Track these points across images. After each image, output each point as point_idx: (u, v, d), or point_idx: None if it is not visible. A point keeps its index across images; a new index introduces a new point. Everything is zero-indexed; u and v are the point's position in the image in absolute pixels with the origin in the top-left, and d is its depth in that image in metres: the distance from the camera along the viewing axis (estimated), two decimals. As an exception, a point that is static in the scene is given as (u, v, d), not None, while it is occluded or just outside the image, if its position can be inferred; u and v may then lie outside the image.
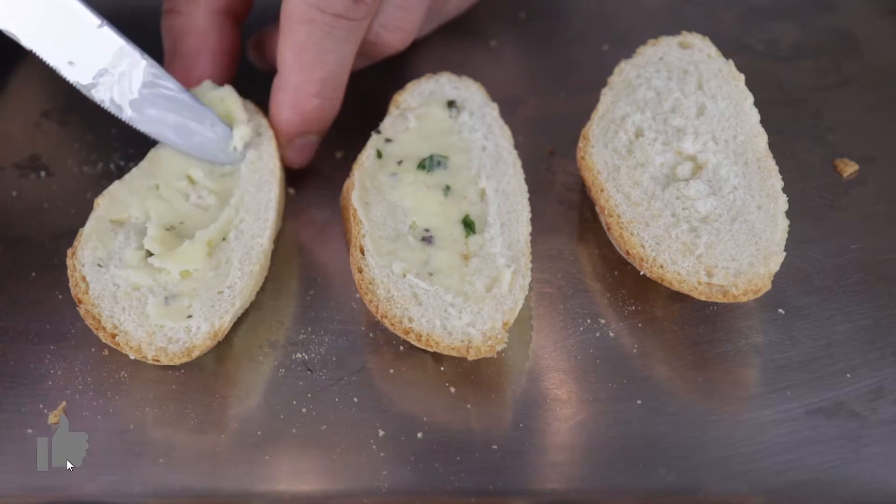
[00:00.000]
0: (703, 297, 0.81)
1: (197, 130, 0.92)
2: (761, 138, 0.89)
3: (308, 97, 0.92)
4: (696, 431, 0.79)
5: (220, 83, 0.98)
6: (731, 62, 0.94)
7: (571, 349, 0.85)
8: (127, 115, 0.91)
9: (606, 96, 0.95)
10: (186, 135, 0.92)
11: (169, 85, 0.91)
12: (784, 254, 0.80)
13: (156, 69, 0.91)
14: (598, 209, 0.91)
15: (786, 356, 0.84)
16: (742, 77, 0.92)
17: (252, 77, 1.12)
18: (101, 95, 0.90)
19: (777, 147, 0.89)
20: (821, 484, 0.76)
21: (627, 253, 0.85)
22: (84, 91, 0.90)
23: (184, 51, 0.98)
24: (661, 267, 0.83)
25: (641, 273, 0.85)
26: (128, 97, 0.90)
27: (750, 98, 0.91)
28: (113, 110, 0.90)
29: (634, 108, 0.94)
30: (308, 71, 0.90)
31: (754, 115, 0.90)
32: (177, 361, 0.81)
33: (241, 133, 0.94)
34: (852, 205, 0.94)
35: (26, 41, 0.86)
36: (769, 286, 0.79)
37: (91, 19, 0.88)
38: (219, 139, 0.93)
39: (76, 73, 0.89)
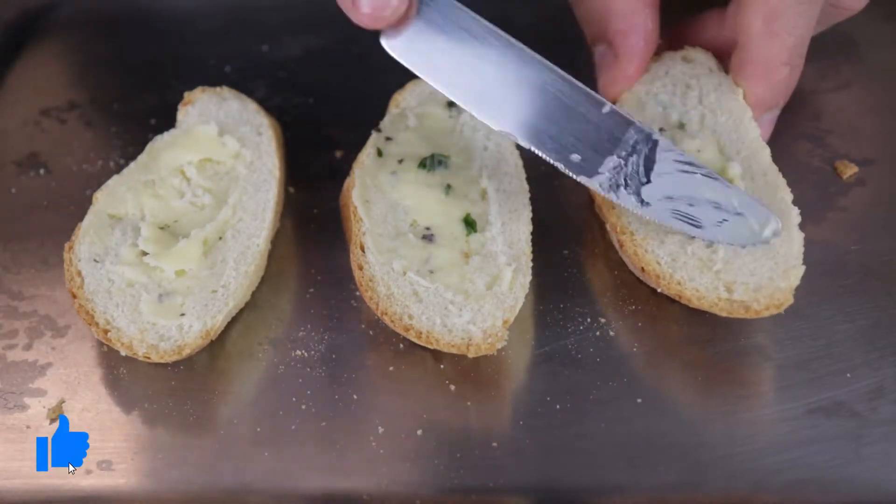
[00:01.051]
0: (724, 313, 0.80)
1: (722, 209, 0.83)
2: (764, 152, 0.88)
3: (778, 66, 0.88)
4: (696, 430, 0.79)
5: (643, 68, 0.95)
6: (729, 77, 0.94)
7: (571, 348, 0.85)
8: (634, 203, 0.83)
9: None
10: (708, 216, 0.83)
11: (683, 156, 0.84)
12: (804, 267, 0.80)
13: (667, 143, 0.84)
14: (608, 227, 0.90)
15: (786, 356, 0.83)
16: (741, 91, 0.91)
17: (253, 76, 1.13)
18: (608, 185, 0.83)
19: (777, 149, 0.89)
20: (821, 483, 0.76)
21: (642, 270, 0.84)
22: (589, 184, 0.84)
23: (613, 32, 0.93)
24: (679, 284, 0.82)
25: (659, 290, 0.84)
26: (639, 182, 0.83)
27: (749, 112, 0.90)
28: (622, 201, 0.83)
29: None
30: (779, 37, 0.86)
31: (754, 130, 0.90)
32: (167, 359, 0.81)
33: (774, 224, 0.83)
34: (852, 206, 0.95)
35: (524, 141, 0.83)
36: (791, 300, 0.79)
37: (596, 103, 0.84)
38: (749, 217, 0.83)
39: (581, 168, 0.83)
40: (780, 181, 0.86)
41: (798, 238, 0.81)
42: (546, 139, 0.83)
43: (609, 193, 0.83)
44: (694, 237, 0.84)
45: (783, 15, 0.85)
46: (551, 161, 0.83)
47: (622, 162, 0.83)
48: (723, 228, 0.83)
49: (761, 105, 0.91)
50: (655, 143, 0.84)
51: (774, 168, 0.87)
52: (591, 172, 0.83)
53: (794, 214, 0.83)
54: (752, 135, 0.89)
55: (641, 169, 0.83)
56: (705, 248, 0.83)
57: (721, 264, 0.82)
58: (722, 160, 0.89)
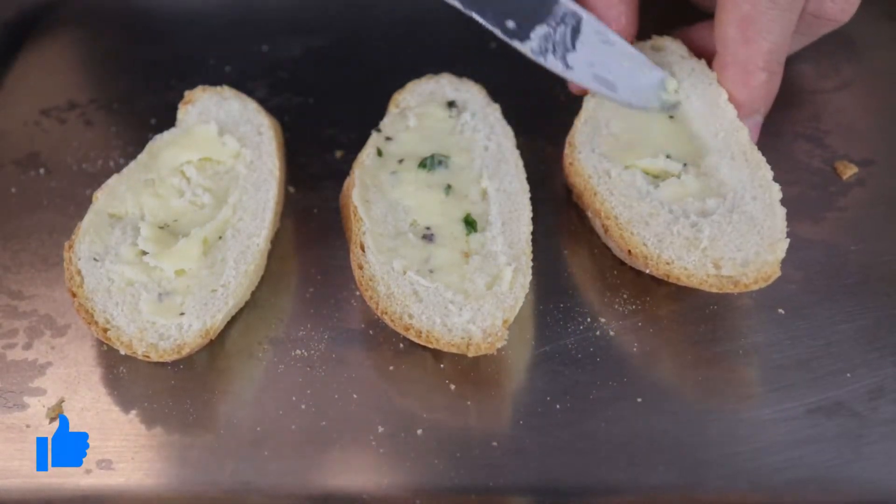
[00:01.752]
0: (714, 290, 0.81)
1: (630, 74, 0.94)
2: (742, 132, 0.89)
3: (755, 70, 0.90)
4: (696, 430, 0.79)
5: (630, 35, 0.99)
6: (703, 61, 0.95)
7: (571, 347, 0.85)
8: (560, 68, 0.94)
9: (589, 103, 0.96)
10: (622, 79, 0.94)
11: (605, 32, 0.93)
12: (788, 240, 0.81)
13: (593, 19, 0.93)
14: (590, 214, 0.91)
15: (786, 356, 0.84)
16: (714, 75, 0.93)
17: (253, 76, 1.13)
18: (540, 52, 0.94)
19: (777, 149, 0.89)
20: (821, 482, 0.76)
21: (629, 253, 0.85)
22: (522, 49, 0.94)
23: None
24: (668, 263, 0.83)
25: (647, 271, 0.85)
26: (564, 51, 0.93)
27: (724, 95, 0.91)
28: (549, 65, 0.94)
29: (616, 111, 0.95)
30: (754, 42, 0.88)
31: (730, 111, 0.91)
32: (167, 358, 0.81)
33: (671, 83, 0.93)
34: (852, 206, 0.95)
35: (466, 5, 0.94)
36: (779, 272, 0.80)
37: None
38: (652, 83, 0.94)
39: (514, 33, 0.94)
40: (761, 159, 0.87)
41: (780, 213, 0.83)
42: (485, 6, 0.93)
43: (538, 57, 0.94)
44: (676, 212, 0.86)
45: (757, 20, 0.87)
46: (488, 26, 0.94)
47: (551, 30, 0.93)
48: (634, 92, 0.93)
49: (742, 110, 0.92)
50: (581, 17, 0.93)
51: (753, 147, 0.88)
52: (523, 38, 0.94)
53: (776, 190, 0.84)
54: (730, 116, 0.90)
55: (568, 38, 0.93)
56: (690, 227, 0.84)
57: (707, 241, 0.83)
58: (697, 144, 0.91)
